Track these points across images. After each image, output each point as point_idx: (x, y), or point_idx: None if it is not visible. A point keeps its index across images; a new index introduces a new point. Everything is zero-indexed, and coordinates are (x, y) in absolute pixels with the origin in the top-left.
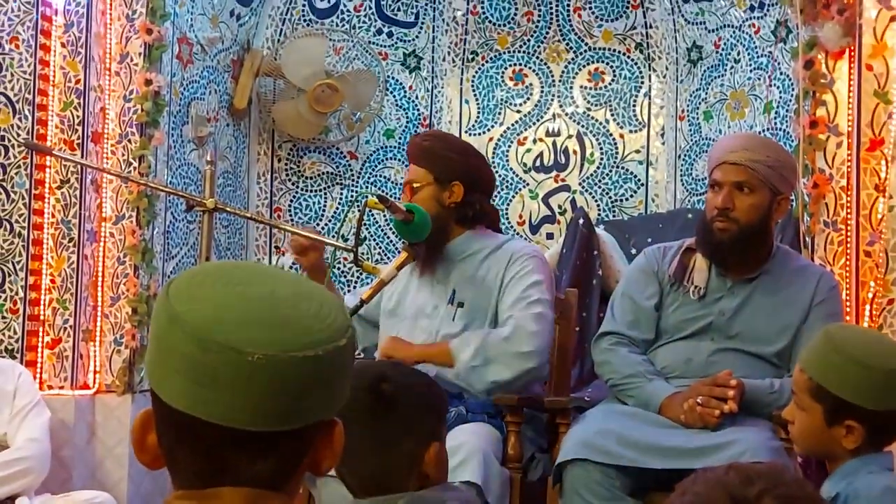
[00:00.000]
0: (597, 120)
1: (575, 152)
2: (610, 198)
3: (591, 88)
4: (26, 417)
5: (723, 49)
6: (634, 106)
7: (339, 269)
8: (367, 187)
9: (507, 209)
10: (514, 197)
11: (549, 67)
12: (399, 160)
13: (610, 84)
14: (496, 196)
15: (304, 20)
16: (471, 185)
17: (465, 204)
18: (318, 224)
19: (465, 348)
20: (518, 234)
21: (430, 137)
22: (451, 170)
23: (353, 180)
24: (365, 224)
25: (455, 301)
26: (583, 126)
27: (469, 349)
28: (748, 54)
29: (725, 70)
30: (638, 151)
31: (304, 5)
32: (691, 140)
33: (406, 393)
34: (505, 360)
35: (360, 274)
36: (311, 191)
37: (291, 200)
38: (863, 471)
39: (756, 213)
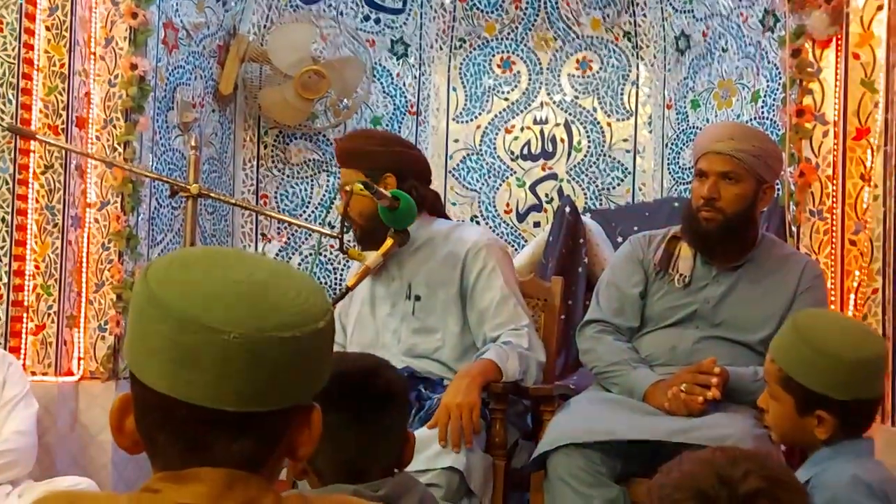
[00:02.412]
0: (584, 108)
1: (562, 140)
2: (597, 186)
3: (578, 77)
4: (15, 409)
5: (710, 38)
6: (622, 94)
7: (325, 256)
8: None
9: (494, 197)
10: (501, 185)
11: (536, 55)
12: None
13: (597, 72)
14: (483, 183)
15: (291, 6)
16: (403, 173)
17: None
18: (304, 211)
19: (507, 362)
20: (504, 221)
21: (351, 137)
22: (378, 163)
23: (339, 167)
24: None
25: (412, 295)
26: (570, 114)
27: (514, 363)
28: (736, 43)
29: (713, 59)
30: (625, 140)
31: None
32: (678, 129)
33: (397, 384)
34: (532, 369)
35: (346, 261)
36: (298, 178)
37: (277, 187)
38: (835, 459)
39: (742, 202)
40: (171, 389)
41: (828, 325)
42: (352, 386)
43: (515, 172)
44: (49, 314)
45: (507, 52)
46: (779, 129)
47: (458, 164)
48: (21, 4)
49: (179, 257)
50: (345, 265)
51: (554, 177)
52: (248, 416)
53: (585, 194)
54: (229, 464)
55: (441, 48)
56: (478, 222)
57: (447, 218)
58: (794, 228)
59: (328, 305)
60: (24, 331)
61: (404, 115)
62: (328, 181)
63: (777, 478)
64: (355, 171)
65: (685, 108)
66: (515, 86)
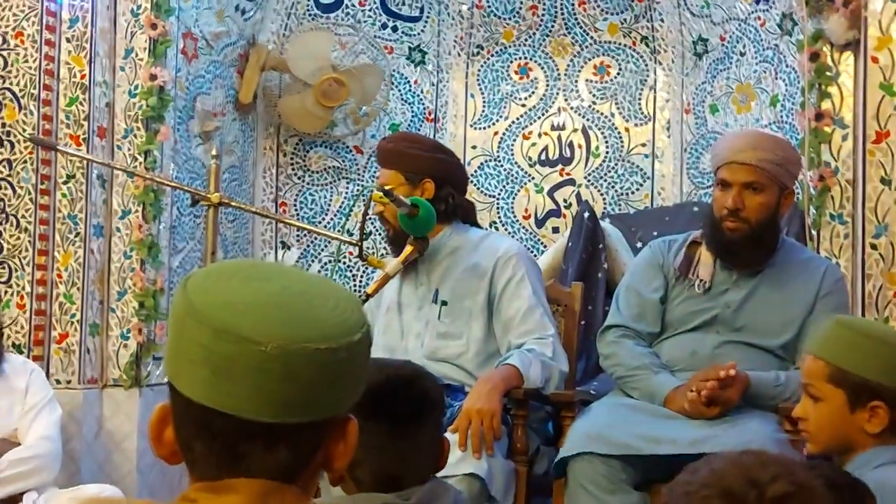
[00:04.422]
0: (602, 113)
1: (580, 146)
2: (616, 191)
3: (596, 82)
4: (39, 415)
5: (728, 42)
6: (640, 99)
7: (344, 263)
8: (372, 182)
9: (512, 203)
10: (519, 191)
11: (554, 61)
12: None
13: (615, 77)
14: (501, 189)
15: (310, 14)
16: (441, 180)
17: (438, 199)
18: (323, 218)
19: (530, 368)
20: (523, 227)
21: (395, 139)
22: (419, 167)
23: (358, 175)
24: (370, 218)
25: (438, 300)
26: (588, 120)
27: (536, 370)
28: (754, 47)
29: (731, 63)
30: (644, 145)
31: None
32: (697, 133)
33: (435, 392)
34: (554, 378)
35: (366, 268)
36: (317, 185)
37: (297, 195)
38: (877, 463)
39: (766, 211)
40: (208, 399)
41: (871, 321)
42: (391, 396)
43: (533, 178)
44: (72, 323)
45: (525, 58)
46: (797, 134)
47: (476, 171)
48: (42, 16)
49: (217, 269)
50: (364, 272)
51: (572, 182)
52: (284, 427)
53: (604, 199)
54: (265, 475)
55: (459, 55)
56: (496, 228)
57: (480, 227)
58: (813, 233)
59: (365, 318)
60: (47, 339)
61: (422, 121)
62: (347, 188)
63: (805, 484)
64: (395, 172)
65: (703, 112)
66: (533, 92)
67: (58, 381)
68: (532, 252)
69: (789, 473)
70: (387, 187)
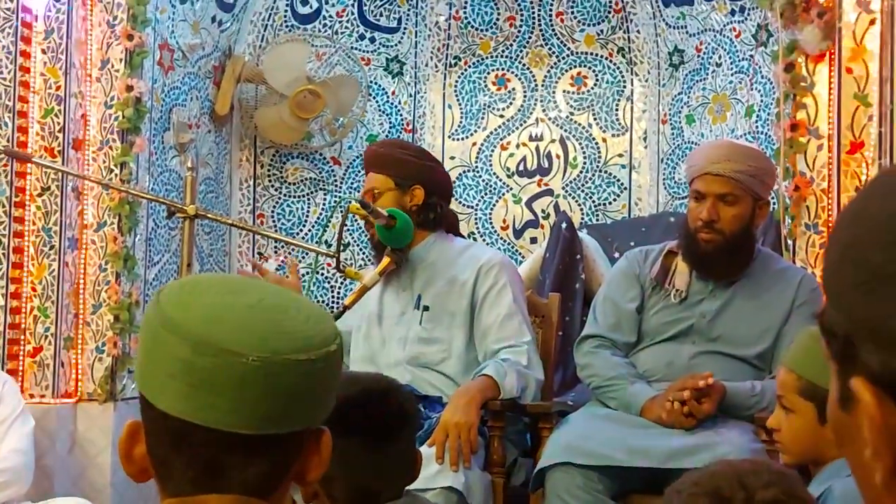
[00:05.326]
0: (579, 124)
1: (558, 156)
2: (593, 202)
3: (573, 93)
4: (10, 427)
5: (704, 53)
6: (617, 110)
7: (322, 274)
8: (349, 193)
9: (490, 214)
10: (497, 201)
11: (531, 72)
12: None
13: (592, 88)
14: (480, 200)
15: (286, 26)
16: (430, 188)
17: (427, 206)
18: (301, 230)
19: (506, 378)
20: (501, 238)
21: (386, 144)
22: (409, 173)
23: (335, 186)
24: (347, 229)
25: (420, 306)
26: (566, 130)
27: (512, 380)
28: (729, 58)
29: (707, 74)
30: (621, 155)
31: (285, 11)
32: (674, 144)
33: (410, 405)
34: (531, 387)
35: (343, 280)
36: (294, 197)
37: (274, 206)
38: (847, 470)
39: (740, 222)
40: (187, 414)
41: None
42: (366, 410)
43: (511, 189)
44: (46, 336)
45: (502, 69)
46: (773, 144)
47: (454, 181)
48: (17, 27)
49: (190, 283)
50: (341, 283)
51: (550, 193)
52: (262, 439)
53: (581, 210)
54: (241, 490)
55: (436, 66)
56: (475, 239)
57: (463, 237)
58: (789, 242)
59: (336, 330)
60: (21, 353)
61: (400, 132)
62: (325, 200)
63: (798, 495)
64: (385, 176)
65: (680, 123)
66: (511, 102)
67: (31, 395)
68: None
69: (783, 483)
70: (375, 191)
